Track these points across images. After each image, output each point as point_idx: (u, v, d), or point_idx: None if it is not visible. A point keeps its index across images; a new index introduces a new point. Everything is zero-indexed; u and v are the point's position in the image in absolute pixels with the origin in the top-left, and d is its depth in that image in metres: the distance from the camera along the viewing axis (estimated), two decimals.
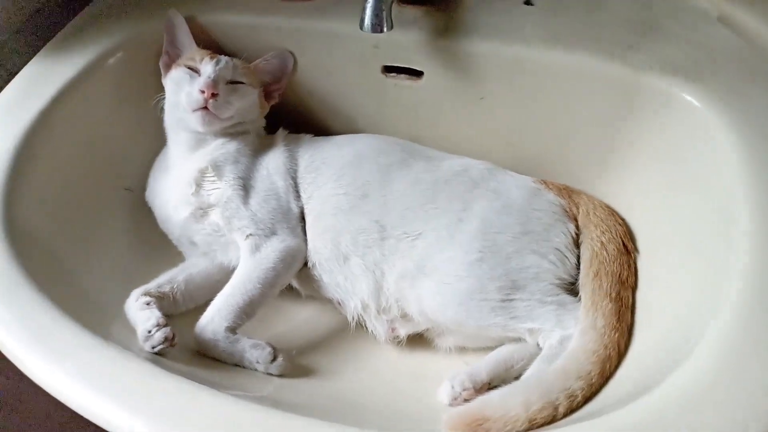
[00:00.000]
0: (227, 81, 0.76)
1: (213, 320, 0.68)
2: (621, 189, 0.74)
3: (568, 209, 0.73)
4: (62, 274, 0.67)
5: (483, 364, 0.67)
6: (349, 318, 0.74)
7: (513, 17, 0.75)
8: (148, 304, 0.68)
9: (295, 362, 0.71)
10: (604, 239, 0.70)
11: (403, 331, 0.73)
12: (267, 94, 0.83)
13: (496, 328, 0.67)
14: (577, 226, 0.72)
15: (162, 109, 0.80)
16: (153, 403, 0.51)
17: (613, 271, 0.67)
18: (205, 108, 0.74)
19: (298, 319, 0.78)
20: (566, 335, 0.64)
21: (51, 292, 0.60)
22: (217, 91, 0.74)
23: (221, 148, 0.77)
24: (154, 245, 0.80)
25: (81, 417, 0.51)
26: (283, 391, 0.65)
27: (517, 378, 0.65)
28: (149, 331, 0.64)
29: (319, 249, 0.75)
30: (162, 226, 0.80)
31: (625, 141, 0.72)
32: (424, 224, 0.72)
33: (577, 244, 0.71)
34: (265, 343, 0.68)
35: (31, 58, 0.80)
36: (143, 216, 0.81)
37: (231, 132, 0.79)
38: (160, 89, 0.79)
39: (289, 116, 0.87)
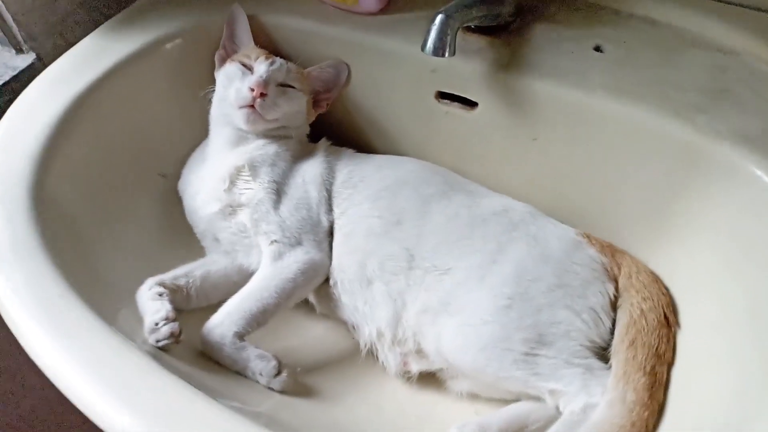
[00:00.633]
0: (278, 83, 0.75)
1: (223, 323, 0.66)
2: (668, 257, 0.70)
3: (609, 268, 0.69)
4: (80, 249, 0.65)
5: (495, 418, 0.63)
6: (362, 344, 0.71)
7: (580, 62, 0.72)
8: (160, 295, 0.66)
9: (299, 380, 0.68)
10: (644, 306, 0.65)
11: (415, 367, 0.70)
12: (316, 102, 0.82)
13: (516, 382, 0.63)
14: (616, 288, 0.68)
15: (210, 101, 0.79)
16: (143, 399, 0.49)
17: (651, 343, 0.62)
18: (252, 106, 0.73)
19: (309, 336, 0.76)
20: (591, 403, 0.60)
21: (65, 266, 0.59)
22: (266, 92, 0.73)
23: (261, 148, 0.76)
24: (178, 236, 0.78)
25: None
26: (281, 410, 0.62)
27: None
28: (156, 324, 0.61)
29: (344, 268, 0.72)
30: (189, 217, 0.78)
31: (681, 208, 0.68)
32: (455, 260, 0.69)
33: (614, 307, 0.67)
34: (272, 356, 0.65)
35: (91, 32, 0.81)
36: (173, 205, 0.80)
37: (274, 134, 0.78)
38: (212, 81, 0.79)
39: (334, 128, 0.85)
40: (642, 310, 0.65)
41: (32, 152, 0.67)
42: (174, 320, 0.62)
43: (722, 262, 0.64)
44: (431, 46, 0.66)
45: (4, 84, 0.80)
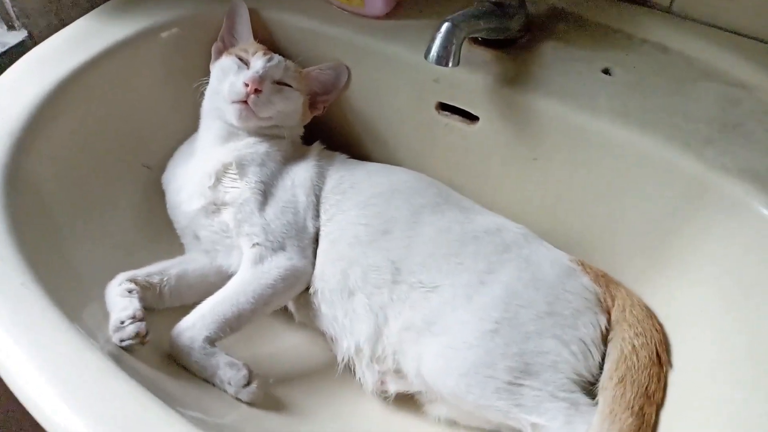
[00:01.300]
0: (275, 80, 0.73)
1: (194, 326, 0.62)
2: (665, 292, 0.67)
3: (602, 299, 0.66)
4: (52, 237, 0.63)
5: None
6: (339, 358, 0.68)
7: (587, 83, 0.70)
8: (130, 291, 0.62)
9: (270, 392, 0.64)
10: (636, 343, 0.62)
11: (393, 387, 0.66)
12: (312, 104, 0.79)
13: (497, 413, 0.59)
14: (609, 321, 0.65)
15: (203, 94, 0.76)
16: (96, 403, 0.46)
17: (641, 381, 0.59)
18: (245, 102, 0.70)
19: (285, 345, 0.72)
20: None
21: (32, 254, 0.56)
22: (261, 88, 0.70)
23: (251, 147, 0.73)
24: (158, 231, 0.76)
25: None
26: (247, 424, 0.59)
27: None
28: (122, 322, 0.58)
29: (325, 276, 0.69)
30: (170, 212, 0.75)
31: (681, 242, 0.65)
32: (442, 277, 0.66)
33: (605, 341, 0.64)
34: (242, 365, 0.62)
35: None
36: (155, 198, 0.77)
37: (266, 133, 0.75)
38: (206, 74, 0.76)
39: (329, 131, 0.82)
40: (634, 346, 0.62)
41: (12, 130, 0.64)
42: (141, 320, 0.59)
43: (721, 302, 0.61)
44: (435, 54, 0.64)
45: None
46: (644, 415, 0.57)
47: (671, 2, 0.77)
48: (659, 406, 0.59)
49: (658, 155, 0.64)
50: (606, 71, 0.72)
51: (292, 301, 0.71)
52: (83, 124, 0.71)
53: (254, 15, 0.79)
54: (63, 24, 0.77)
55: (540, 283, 0.65)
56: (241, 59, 0.73)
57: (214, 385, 0.62)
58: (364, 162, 0.79)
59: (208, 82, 0.75)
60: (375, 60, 0.77)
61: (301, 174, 0.74)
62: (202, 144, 0.76)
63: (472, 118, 0.75)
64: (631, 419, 0.56)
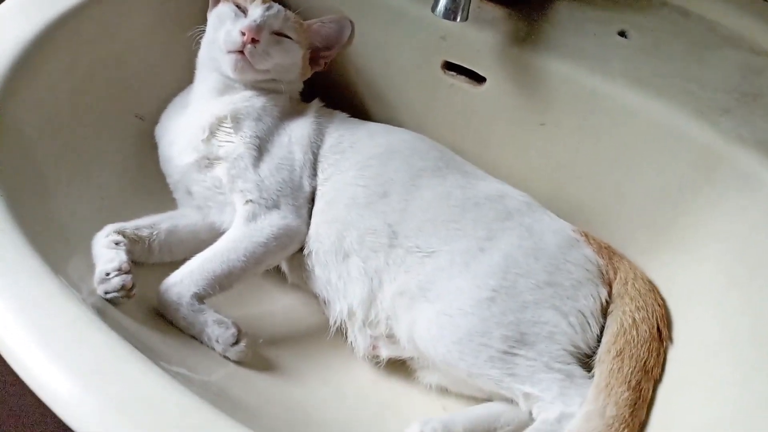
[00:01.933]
0: (273, 31, 0.69)
1: (182, 281, 0.61)
2: (669, 266, 0.65)
3: (604, 271, 0.64)
4: (37, 185, 0.60)
5: (461, 417, 0.59)
6: (331, 321, 0.67)
7: (602, 45, 0.67)
8: (117, 243, 0.60)
9: (258, 352, 0.63)
10: (637, 316, 0.61)
11: (385, 352, 0.65)
12: (313, 59, 0.76)
13: (489, 381, 0.58)
14: (609, 294, 0.63)
15: (198, 43, 0.73)
16: (75, 354, 0.44)
17: (639, 356, 0.58)
18: (241, 52, 0.67)
19: (276, 306, 0.71)
20: (567, 413, 0.55)
21: (15, 200, 0.54)
22: (258, 38, 0.67)
23: (247, 100, 0.70)
24: (149, 184, 0.73)
25: None
26: (233, 382, 0.58)
27: None
28: (107, 274, 0.56)
29: (320, 237, 0.67)
30: (163, 166, 0.73)
31: (691, 215, 0.63)
32: (440, 243, 0.64)
33: (605, 313, 0.62)
34: (231, 323, 0.60)
35: None
36: (147, 150, 0.74)
37: (263, 87, 0.72)
38: (203, 22, 0.72)
39: (330, 88, 0.79)
40: (634, 320, 0.61)
41: None
42: (128, 272, 0.57)
43: (726, 279, 0.59)
44: (442, 7, 0.61)
45: None
46: (641, 390, 0.56)
47: None
48: (657, 381, 0.57)
49: (669, 123, 0.62)
50: (622, 33, 0.69)
51: (285, 262, 0.69)
52: (72, 69, 0.68)
53: None
54: None
55: (541, 253, 0.63)
56: (238, 7, 0.70)
57: (201, 342, 0.60)
58: (365, 122, 0.76)
59: (204, 31, 0.72)
60: (380, 13, 0.74)
61: (298, 131, 0.71)
62: (196, 96, 0.73)
63: (478, 79, 0.72)
64: (627, 393, 0.55)
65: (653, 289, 0.64)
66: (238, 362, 0.60)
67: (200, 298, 0.61)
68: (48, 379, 0.42)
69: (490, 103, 0.72)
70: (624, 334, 0.60)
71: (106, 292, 0.56)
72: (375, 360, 0.65)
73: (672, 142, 0.62)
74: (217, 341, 0.59)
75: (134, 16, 0.74)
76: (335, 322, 0.66)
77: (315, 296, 0.69)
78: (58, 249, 0.56)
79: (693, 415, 0.52)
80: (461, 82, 0.73)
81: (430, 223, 0.65)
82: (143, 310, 0.60)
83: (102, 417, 0.41)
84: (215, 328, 0.59)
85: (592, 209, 0.70)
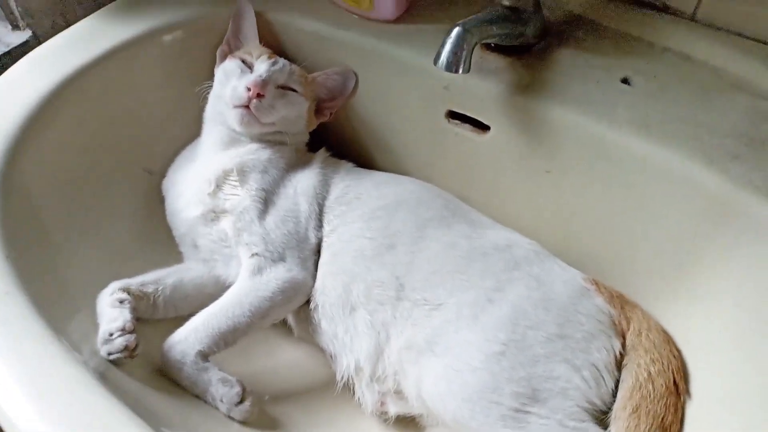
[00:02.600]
0: (279, 85, 0.70)
1: (186, 339, 0.60)
2: (685, 316, 0.63)
3: (617, 322, 0.62)
4: (43, 243, 0.61)
5: None
6: (338, 376, 0.65)
7: (606, 93, 0.67)
8: (121, 302, 0.60)
9: (265, 410, 0.62)
10: (652, 369, 0.59)
11: (393, 409, 0.64)
12: (318, 110, 0.77)
13: None
14: (623, 345, 0.61)
15: (205, 98, 0.74)
16: (73, 422, 0.43)
17: (656, 412, 0.56)
18: (247, 107, 0.68)
19: (282, 360, 0.70)
20: None
21: (20, 260, 0.54)
22: (264, 93, 0.68)
23: (253, 153, 0.71)
24: (156, 238, 0.73)
25: None
26: None
27: None
28: (111, 334, 0.56)
29: (326, 290, 0.66)
30: (169, 219, 0.73)
31: (703, 264, 0.61)
32: (448, 295, 0.62)
33: (619, 366, 0.60)
34: (236, 381, 0.59)
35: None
36: (155, 204, 0.75)
37: (269, 139, 0.72)
38: (210, 77, 0.74)
39: (335, 138, 0.80)
40: (650, 374, 0.59)
41: (7, 132, 0.62)
42: (131, 332, 0.57)
43: (744, 330, 0.57)
44: (444, 60, 0.61)
45: None
46: None
47: (695, 9, 0.73)
48: None
49: (679, 170, 0.61)
50: (625, 80, 0.68)
51: (292, 315, 0.69)
52: (82, 126, 0.70)
53: (261, 17, 0.77)
54: (68, 24, 0.76)
55: (551, 304, 0.62)
56: (245, 62, 0.71)
57: (205, 401, 0.59)
58: (371, 171, 0.76)
59: (211, 86, 0.73)
60: (384, 65, 0.74)
61: (304, 182, 0.71)
62: (203, 149, 0.74)
63: (483, 127, 0.72)
64: None
65: (668, 339, 0.62)
66: (243, 422, 0.59)
67: (204, 355, 0.60)
68: None
69: (496, 151, 0.72)
70: (640, 388, 0.58)
71: (109, 353, 0.55)
72: (383, 417, 0.64)
73: (682, 188, 0.61)
74: (222, 400, 0.58)
75: (143, 73, 0.75)
76: (342, 377, 0.65)
77: (322, 350, 0.67)
78: (62, 307, 0.56)
79: None
80: (466, 131, 0.73)
81: (436, 274, 0.64)
82: (146, 369, 0.59)
83: None
84: (219, 386, 0.58)
85: (602, 257, 0.69)
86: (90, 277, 0.63)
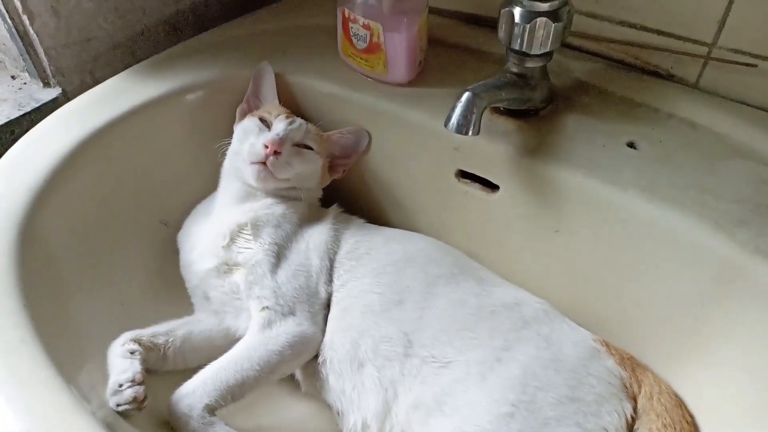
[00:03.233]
0: (295, 143, 0.73)
1: (194, 392, 0.60)
2: (695, 381, 0.62)
3: (628, 384, 0.62)
4: (59, 293, 0.62)
5: None
6: None
7: (612, 156, 0.68)
8: (132, 353, 0.61)
9: None
10: None
11: None
12: (332, 167, 0.79)
13: None
14: (635, 409, 0.60)
15: (224, 154, 0.77)
16: None
17: None
18: (264, 164, 0.70)
19: (289, 416, 0.69)
20: None
21: (36, 310, 0.55)
22: (281, 150, 0.70)
23: (268, 208, 0.73)
24: (169, 289, 0.74)
25: None
26: None
27: None
28: (120, 385, 0.56)
29: (335, 345, 0.66)
30: (183, 271, 0.74)
31: (713, 328, 0.61)
32: (456, 353, 0.62)
33: (630, 431, 0.59)
34: None
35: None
36: (169, 256, 0.76)
37: (283, 194, 0.74)
38: (229, 135, 0.77)
39: (348, 195, 0.82)
40: None
41: (32, 185, 0.64)
42: (140, 383, 0.57)
43: (757, 396, 0.56)
44: (455, 122, 0.63)
45: (25, 114, 0.80)
46: None
47: (698, 78, 0.76)
48: None
49: (686, 234, 0.61)
50: (631, 145, 0.70)
51: (300, 370, 0.69)
52: (104, 179, 0.72)
53: (280, 79, 0.80)
54: (96, 83, 0.80)
55: (561, 365, 0.62)
56: (263, 121, 0.74)
57: None
58: (382, 227, 0.77)
59: (230, 143, 0.76)
60: (396, 126, 0.77)
61: (316, 237, 0.72)
62: (219, 203, 0.76)
63: (492, 186, 0.74)
64: None
65: (680, 404, 0.61)
66: None
67: (212, 409, 0.59)
68: None
69: (504, 210, 0.73)
70: None
71: (118, 405, 0.55)
72: None
73: (690, 252, 0.62)
74: None
75: (165, 130, 0.78)
76: None
77: (329, 406, 0.67)
78: (74, 357, 0.56)
79: None
80: (475, 190, 0.75)
81: (445, 332, 0.64)
82: (153, 421, 0.59)
83: None
84: None
85: (611, 318, 0.69)
86: (102, 327, 0.63)
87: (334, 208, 0.78)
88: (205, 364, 0.63)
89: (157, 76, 0.79)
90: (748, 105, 0.74)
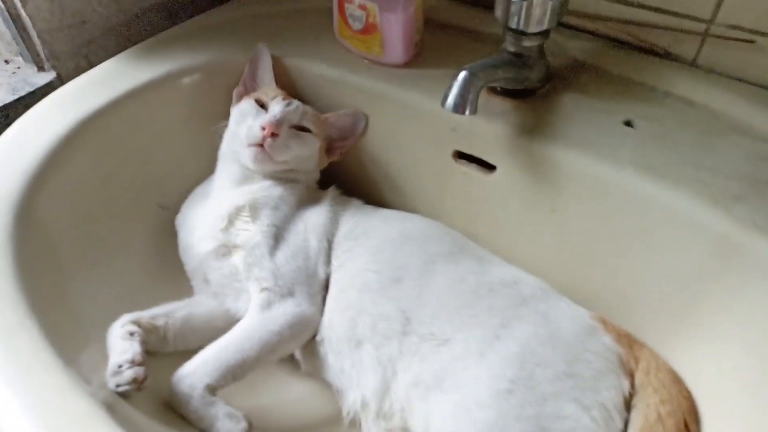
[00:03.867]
0: (292, 125, 0.73)
1: (195, 372, 0.60)
2: (693, 356, 0.63)
3: (625, 360, 0.62)
4: (57, 275, 0.62)
5: None
6: (344, 412, 0.65)
7: (609, 135, 0.68)
8: (132, 334, 0.61)
9: None
10: (662, 410, 0.58)
11: None
12: (329, 150, 0.79)
13: None
14: (632, 385, 0.61)
15: (221, 137, 0.76)
16: None
17: None
18: (261, 145, 0.70)
19: (289, 396, 0.70)
20: None
21: (34, 293, 0.55)
22: (278, 132, 0.70)
23: (266, 190, 0.73)
24: (169, 272, 0.75)
25: None
26: None
27: None
28: (120, 366, 0.56)
29: (333, 325, 0.67)
30: (182, 254, 0.75)
31: (712, 302, 0.61)
32: (455, 330, 0.63)
33: (628, 406, 0.60)
34: (242, 416, 0.59)
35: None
36: (168, 239, 0.76)
37: (281, 177, 0.74)
38: (225, 117, 0.76)
39: (346, 177, 0.82)
40: (659, 414, 0.58)
41: (28, 169, 0.64)
42: (140, 364, 0.57)
43: (755, 370, 0.56)
44: (451, 102, 0.63)
45: (19, 99, 0.80)
46: None
47: (696, 56, 0.76)
48: None
49: (684, 211, 0.62)
50: (628, 123, 0.70)
51: (299, 350, 0.69)
52: (100, 163, 0.72)
53: (277, 62, 0.80)
54: (91, 66, 0.79)
55: (558, 341, 0.62)
56: (260, 103, 0.74)
57: None
58: (379, 208, 0.77)
59: (227, 126, 0.76)
60: (393, 107, 0.76)
61: (314, 219, 0.73)
62: (217, 186, 0.76)
63: (489, 167, 0.74)
64: None
65: (677, 380, 0.62)
66: None
67: (212, 389, 0.60)
68: None
69: (501, 190, 0.73)
70: (650, 429, 0.57)
71: (118, 385, 0.55)
72: None
73: (687, 229, 0.62)
74: None
75: (161, 113, 0.78)
76: (349, 413, 0.65)
77: (329, 385, 0.67)
78: (73, 339, 0.56)
79: None
80: (472, 170, 0.75)
81: (444, 309, 0.64)
82: (154, 402, 0.59)
83: None
84: (225, 421, 0.58)
85: (608, 295, 0.69)
86: (102, 310, 0.63)
87: (332, 190, 0.78)
88: (206, 345, 0.64)
89: (152, 59, 0.79)
90: (746, 82, 0.73)
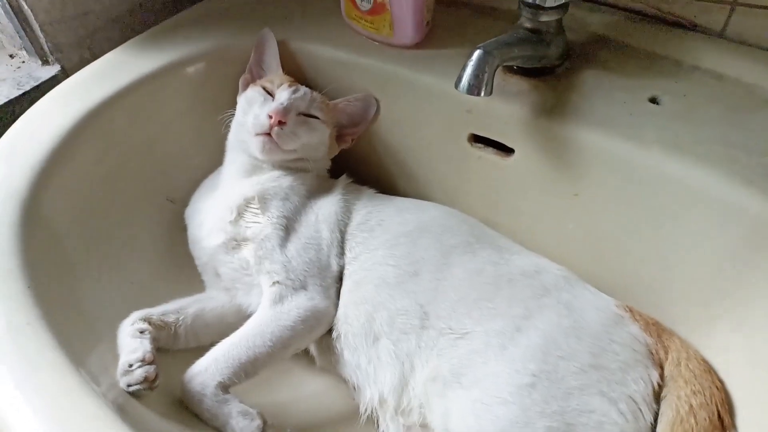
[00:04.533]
0: (300, 112, 0.70)
1: (207, 370, 0.59)
2: (725, 345, 0.60)
3: (654, 351, 0.59)
4: (66, 273, 0.60)
5: None
6: (361, 408, 0.63)
7: (634, 113, 0.65)
8: (142, 332, 0.60)
9: None
10: (694, 402, 0.55)
11: None
12: (340, 137, 0.76)
13: None
14: (662, 376, 0.58)
15: (228, 126, 0.74)
16: None
17: None
18: (269, 134, 0.67)
19: (304, 392, 0.68)
20: None
21: (42, 292, 0.54)
22: (285, 120, 0.68)
23: (275, 180, 0.71)
24: (178, 267, 0.73)
25: None
26: None
27: None
28: (131, 365, 0.55)
29: (349, 319, 0.65)
30: (191, 248, 0.73)
31: (744, 290, 0.58)
32: (474, 323, 0.60)
33: (657, 399, 0.57)
34: (257, 413, 0.58)
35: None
36: (177, 233, 0.75)
37: (290, 166, 0.72)
38: (232, 106, 0.74)
39: (358, 164, 0.79)
40: (691, 406, 0.55)
41: (33, 164, 0.63)
42: (151, 363, 0.56)
43: None
44: (466, 83, 0.60)
45: (24, 93, 0.78)
46: None
47: (724, 26, 0.72)
48: None
49: (716, 192, 0.58)
50: (653, 100, 0.67)
51: (314, 345, 0.67)
52: (107, 156, 0.70)
53: (283, 46, 0.77)
54: (95, 58, 0.77)
55: (583, 332, 0.59)
56: (266, 90, 0.71)
57: None
58: (393, 197, 0.75)
59: (233, 115, 0.73)
60: (405, 91, 0.74)
61: (326, 208, 0.70)
62: (225, 177, 0.74)
63: (507, 150, 0.71)
64: None
65: (709, 369, 0.59)
66: None
67: (225, 387, 0.58)
68: None
69: (520, 175, 0.70)
70: (681, 422, 0.54)
71: (129, 385, 0.54)
72: None
73: (720, 211, 0.59)
74: None
75: (167, 104, 0.76)
76: (366, 410, 0.63)
77: (345, 381, 0.66)
78: (82, 338, 0.55)
79: None
80: (489, 154, 0.72)
81: (462, 302, 0.62)
82: (166, 401, 0.58)
83: None
84: (240, 419, 0.57)
85: (635, 283, 0.66)
86: (112, 306, 0.62)
87: (343, 179, 0.75)
88: (217, 342, 0.62)
89: (156, 49, 0.77)
90: None
